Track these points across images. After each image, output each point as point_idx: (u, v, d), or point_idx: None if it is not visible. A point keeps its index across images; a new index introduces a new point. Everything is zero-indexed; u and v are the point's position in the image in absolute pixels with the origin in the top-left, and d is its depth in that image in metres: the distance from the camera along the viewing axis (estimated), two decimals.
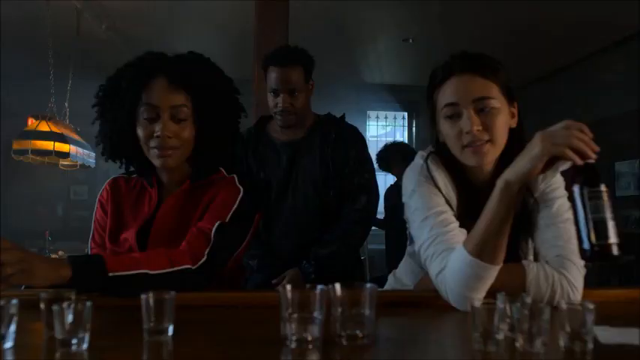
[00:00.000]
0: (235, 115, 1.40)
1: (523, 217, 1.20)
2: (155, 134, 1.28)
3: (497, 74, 1.17)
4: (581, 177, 0.95)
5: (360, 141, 2.10)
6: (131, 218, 1.39)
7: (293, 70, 1.97)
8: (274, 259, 1.99)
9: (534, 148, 1.02)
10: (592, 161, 0.97)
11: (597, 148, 0.98)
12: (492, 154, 1.17)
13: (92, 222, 1.45)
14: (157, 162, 1.32)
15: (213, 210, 1.30)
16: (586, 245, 0.92)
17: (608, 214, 0.91)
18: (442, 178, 1.23)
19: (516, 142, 1.18)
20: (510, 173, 1.06)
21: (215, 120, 1.34)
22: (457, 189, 1.23)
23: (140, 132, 1.30)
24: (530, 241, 1.23)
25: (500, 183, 1.07)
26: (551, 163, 1.02)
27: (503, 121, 1.17)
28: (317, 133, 2.05)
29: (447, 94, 1.18)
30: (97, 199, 1.45)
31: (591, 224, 0.91)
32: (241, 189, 1.34)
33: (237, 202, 1.31)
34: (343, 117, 2.16)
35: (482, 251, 1.06)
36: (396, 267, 1.54)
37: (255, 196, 1.39)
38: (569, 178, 0.98)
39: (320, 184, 2.00)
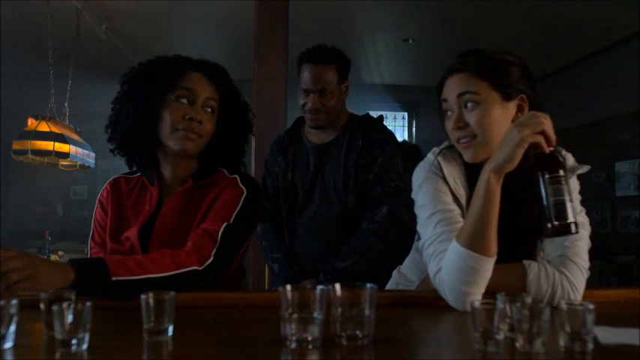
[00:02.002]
0: (247, 130, 1.47)
1: (539, 216, 1.20)
2: (187, 117, 1.32)
3: (488, 70, 1.17)
4: (545, 163, 1.06)
5: (390, 146, 2.00)
6: (132, 217, 1.40)
7: (326, 70, 1.94)
8: (295, 263, 1.98)
9: (514, 137, 1.06)
10: (552, 149, 1.08)
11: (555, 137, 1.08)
12: (482, 150, 1.17)
13: (92, 222, 1.46)
14: (178, 145, 1.34)
15: (218, 210, 1.31)
16: (549, 224, 1.04)
17: (567, 197, 1.03)
18: (452, 175, 1.22)
19: None
20: (493, 164, 1.09)
21: (232, 124, 1.41)
22: (470, 186, 1.22)
23: (169, 114, 1.33)
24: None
25: (483, 174, 1.10)
26: (526, 152, 1.08)
27: (494, 116, 1.16)
28: (345, 136, 2.00)
29: (444, 92, 1.23)
30: (97, 199, 1.46)
31: (553, 206, 1.03)
32: (245, 189, 1.35)
33: (241, 202, 1.32)
34: (381, 118, 2.09)
35: (473, 243, 1.07)
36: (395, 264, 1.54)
37: (258, 197, 1.40)
38: (534, 164, 1.07)
39: (341, 190, 1.95)
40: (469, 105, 1.17)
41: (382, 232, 1.90)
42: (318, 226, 1.98)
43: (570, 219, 1.02)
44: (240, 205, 1.31)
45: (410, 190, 1.29)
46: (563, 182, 1.03)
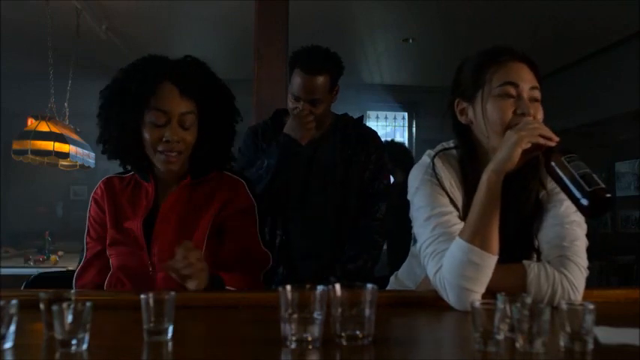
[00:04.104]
0: (233, 119, 1.46)
1: (537, 212, 1.22)
2: (164, 139, 1.32)
3: (540, 72, 1.23)
4: (556, 151, 1.07)
5: (381, 146, 2.08)
6: (130, 211, 1.42)
7: (319, 80, 1.91)
8: (287, 259, 1.98)
9: (511, 138, 1.10)
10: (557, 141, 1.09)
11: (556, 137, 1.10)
12: None
13: (87, 219, 1.49)
14: (162, 167, 1.37)
15: (241, 238, 1.41)
16: (583, 200, 0.98)
17: (589, 170, 1.01)
18: (448, 178, 1.23)
19: None
20: (493, 164, 1.12)
21: (216, 124, 1.40)
22: (465, 187, 1.23)
23: (147, 135, 1.34)
24: None
25: (485, 174, 1.13)
26: (524, 154, 1.10)
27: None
28: (337, 133, 2.02)
29: (508, 74, 1.20)
30: (91, 197, 1.48)
31: (581, 177, 1.00)
32: (254, 200, 1.44)
33: (257, 214, 1.44)
34: (362, 118, 2.13)
35: (475, 239, 1.09)
36: (396, 266, 1.54)
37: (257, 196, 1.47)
38: (545, 161, 1.08)
39: (338, 185, 1.97)
40: (535, 100, 1.19)
41: (383, 228, 2.00)
42: (314, 220, 1.99)
43: (602, 184, 0.99)
44: (256, 220, 1.44)
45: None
46: (581, 160, 1.03)
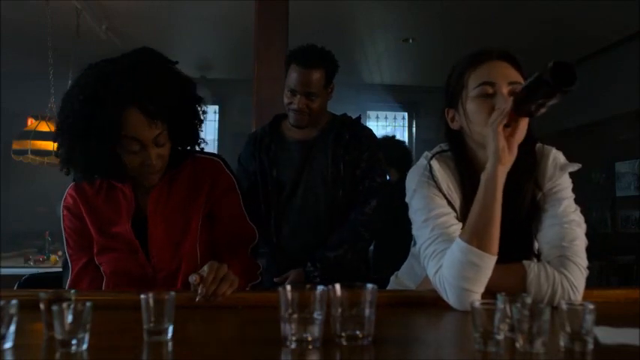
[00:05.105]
0: (198, 108, 1.40)
1: (534, 213, 1.22)
2: (146, 163, 1.29)
3: (522, 68, 1.22)
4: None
5: (374, 144, 2.08)
6: (112, 214, 1.37)
7: (314, 74, 1.95)
8: (282, 259, 1.99)
9: (488, 134, 1.13)
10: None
11: None
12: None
13: (62, 231, 1.41)
14: (145, 181, 1.37)
15: (232, 217, 1.44)
16: (545, 76, 1.00)
17: None
18: (445, 180, 1.23)
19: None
20: (489, 163, 1.13)
21: (186, 126, 1.37)
22: (463, 189, 1.23)
23: (127, 160, 1.29)
24: None
25: (483, 175, 1.13)
26: (510, 135, 1.13)
27: None
28: (331, 132, 2.03)
29: (484, 74, 1.20)
30: (62, 207, 1.41)
31: (534, 76, 1.04)
32: (232, 176, 1.46)
33: (239, 191, 1.46)
34: (359, 118, 2.14)
35: (475, 239, 1.09)
36: (386, 266, 1.55)
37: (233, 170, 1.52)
38: (518, 107, 1.11)
39: (330, 184, 1.98)
40: None
41: (370, 223, 1.99)
42: (306, 220, 2.00)
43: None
44: (240, 196, 1.46)
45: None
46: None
